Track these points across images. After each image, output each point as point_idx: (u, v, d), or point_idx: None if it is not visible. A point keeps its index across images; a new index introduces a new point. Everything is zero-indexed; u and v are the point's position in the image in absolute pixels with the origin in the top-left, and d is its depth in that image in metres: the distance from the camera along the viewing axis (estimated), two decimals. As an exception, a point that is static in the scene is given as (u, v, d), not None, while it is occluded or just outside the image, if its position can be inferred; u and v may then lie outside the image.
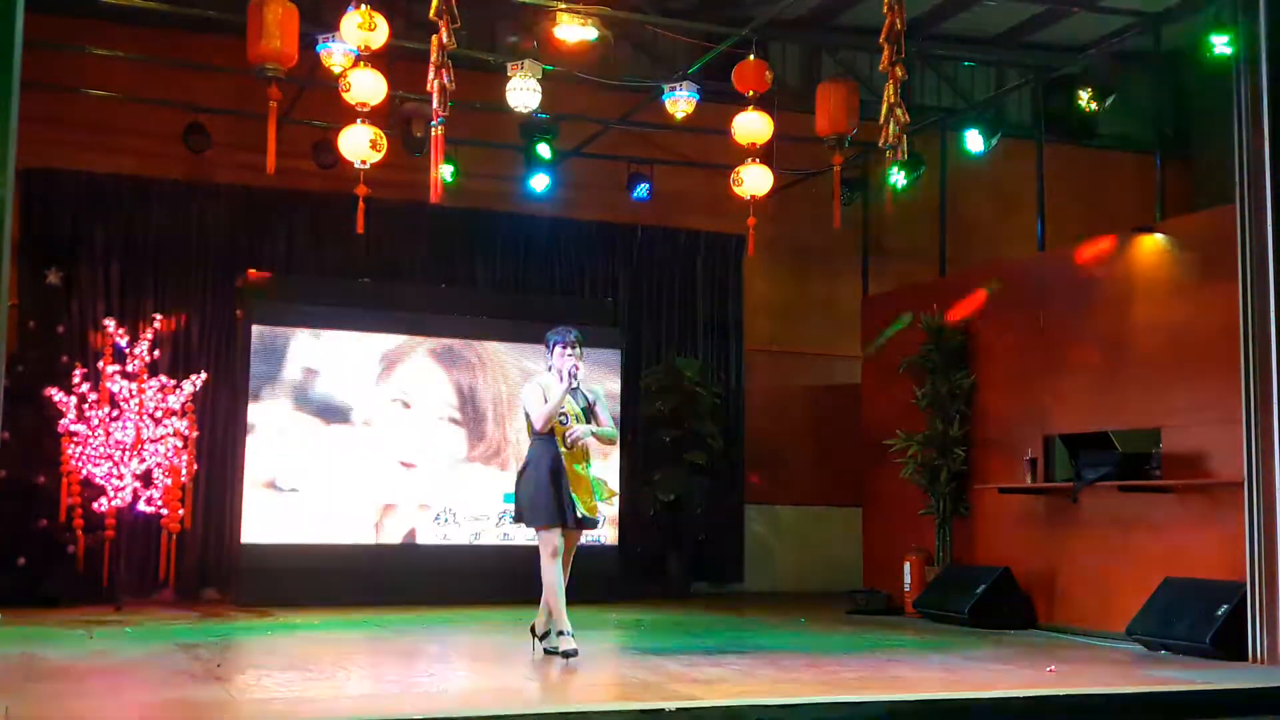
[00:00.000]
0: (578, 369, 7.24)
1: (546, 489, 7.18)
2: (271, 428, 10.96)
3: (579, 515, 7.19)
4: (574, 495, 7.19)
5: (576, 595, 10.02)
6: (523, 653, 8.30)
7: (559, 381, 7.24)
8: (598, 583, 11.12)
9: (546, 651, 7.30)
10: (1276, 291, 7.69)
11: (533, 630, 7.53)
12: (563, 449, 7.23)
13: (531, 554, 11.44)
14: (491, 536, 11.56)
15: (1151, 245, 9.40)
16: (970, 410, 10.92)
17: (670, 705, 5.63)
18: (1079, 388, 9.88)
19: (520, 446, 11.66)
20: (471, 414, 11.69)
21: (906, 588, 11.01)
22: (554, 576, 7.20)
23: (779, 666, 7.32)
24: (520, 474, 7.47)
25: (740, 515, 13.33)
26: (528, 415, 7.35)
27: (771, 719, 5.75)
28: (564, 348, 7.28)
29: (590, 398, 7.42)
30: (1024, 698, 6.30)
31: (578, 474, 7.24)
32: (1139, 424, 9.33)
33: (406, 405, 11.49)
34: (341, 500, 11.13)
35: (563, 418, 7.27)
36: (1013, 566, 10.14)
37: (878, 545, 12.05)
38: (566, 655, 7.09)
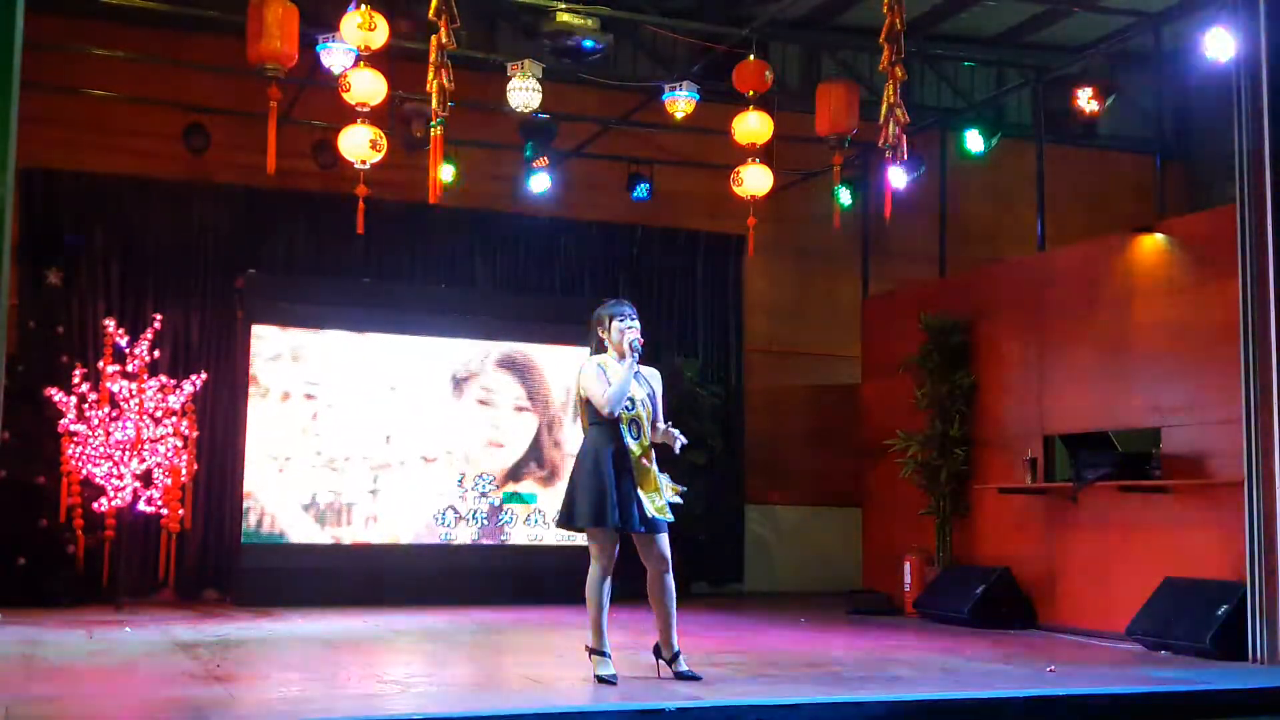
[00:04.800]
0: (642, 342, 6.42)
1: (609, 484, 6.23)
2: (270, 427, 10.96)
3: (650, 516, 6.27)
4: (640, 492, 6.30)
5: (575, 596, 10.02)
6: (522, 652, 8.30)
7: (619, 359, 6.40)
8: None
9: (678, 675, 6.44)
10: (1276, 291, 7.69)
11: (656, 652, 6.56)
12: (630, 441, 6.34)
13: (545, 554, 11.62)
14: (492, 537, 11.60)
15: (1151, 245, 9.40)
16: (970, 410, 10.92)
17: (670, 705, 5.63)
18: (1079, 388, 9.88)
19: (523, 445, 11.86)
20: (477, 413, 11.72)
21: (906, 588, 11.01)
22: (599, 591, 6.36)
23: (779, 666, 7.32)
24: (575, 467, 6.48)
25: (740, 515, 13.34)
26: (586, 402, 6.44)
27: (771, 719, 5.74)
28: (621, 320, 6.45)
29: (652, 385, 6.55)
30: (1024, 698, 6.29)
31: (644, 468, 6.34)
32: (1139, 424, 9.34)
33: (410, 403, 11.50)
34: (340, 499, 11.13)
35: (629, 403, 6.36)
36: (1013, 566, 10.14)
37: (878, 545, 12.05)
38: (602, 680, 6.32)
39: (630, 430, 6.38)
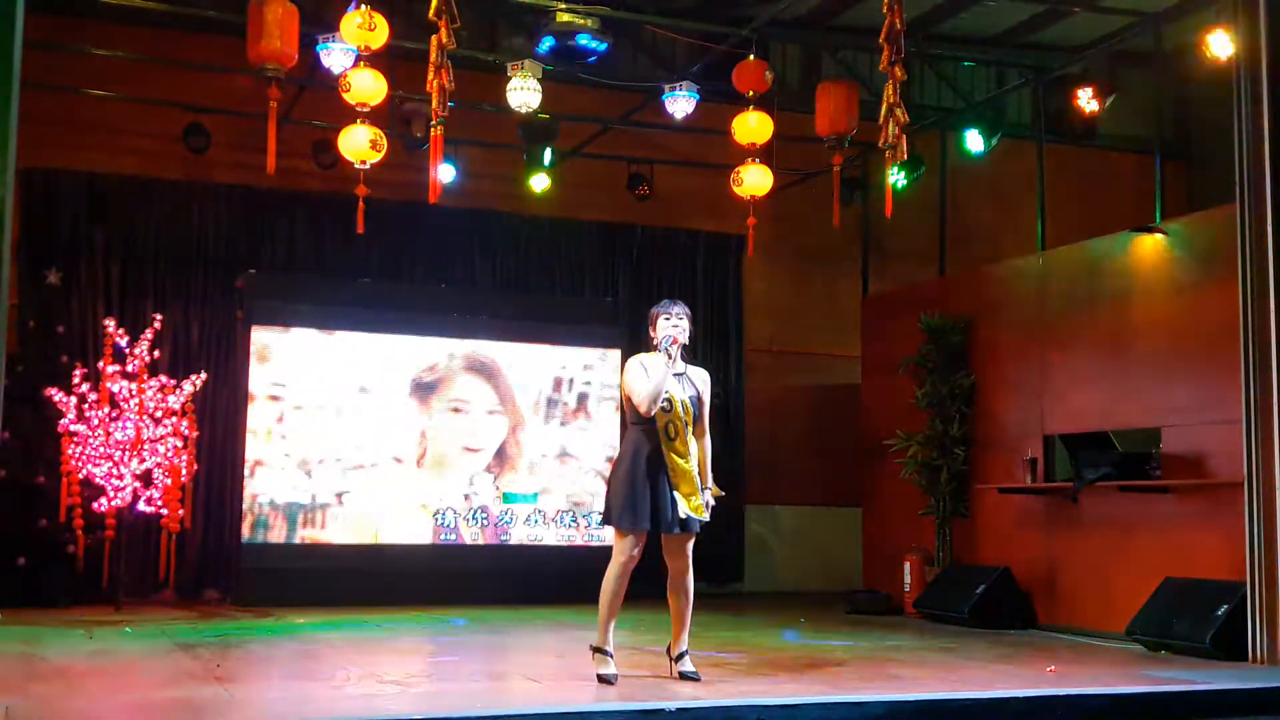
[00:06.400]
0: (677, 341, 6.38)
1: (642, 487, 6.31)
2: (270, 427, 10.96)
3: (683, 516, 6.31)
4: (675, 494, 6.34)
5: (575, 596, 10.00)
6: (522, 652, 8.29)
7: (660, 356, 6.39)
8: (598, 582, 11.11)
9: (682, 675, 6.49)
10: (1276, 291, 7.69)
11: (668, 651, 6.65)
12: (666, 443, 6.35)
13: (545, 554, 11.61)
14: (492, 537, 11.60)
15: (1151, 245, 9.40)
16: (970, 410, 10.92)
17: (670, 705, 5.63)
18: (1079, 388, 9.88)
19: (521, 442, 11.85)
20: (476, 412, 11.71)
21: (906, 588, 11.01)
22: (615, 586, 6.44)
23: (779, 666, 7.32)
24: (613, 467, 6.61)
25: (740, 515, 13.33)
26: (628, 399, 6.47)
27: (771, 719, 5.74)
28: (666, 318, 6.46)
29: (698, 387, 6.53)
30: (1024, 698, 6.30)
31: (681, 468, 6.35)
32: (1139, 424, 9.34)
33: (407, 403, 11.50)
34: (340, 499, 11.13)
35: (665, 403, 6.35)
36: (1013, 566, 10.14)
37: (878, 545, 12.05)
38: (602, 679, 6.36)
39: (667, 431, 6.38)
